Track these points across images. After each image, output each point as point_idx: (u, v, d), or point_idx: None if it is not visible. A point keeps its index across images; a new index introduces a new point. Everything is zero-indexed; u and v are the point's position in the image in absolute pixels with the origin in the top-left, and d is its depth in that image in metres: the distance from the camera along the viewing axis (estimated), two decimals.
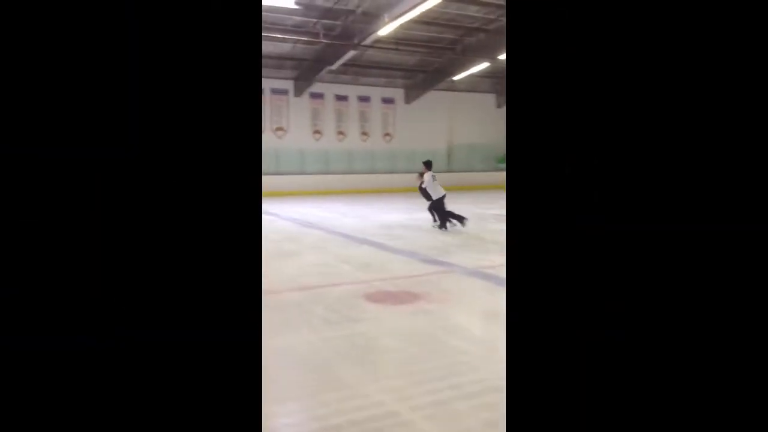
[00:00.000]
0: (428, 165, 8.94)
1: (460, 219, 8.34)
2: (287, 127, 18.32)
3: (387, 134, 20.24)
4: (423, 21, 14.00)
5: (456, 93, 20.42)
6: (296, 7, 13.16)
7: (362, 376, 2.71)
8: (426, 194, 8.78)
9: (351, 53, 15.06)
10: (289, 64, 17.37)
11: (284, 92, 18.19)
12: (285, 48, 16.16)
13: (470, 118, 20.65)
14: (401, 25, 13.02)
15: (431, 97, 20.08)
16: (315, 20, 14.17)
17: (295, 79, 18.12)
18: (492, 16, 14.46)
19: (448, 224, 8.49)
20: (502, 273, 4.31)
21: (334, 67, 16.00)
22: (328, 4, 13.36)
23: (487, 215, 10.60)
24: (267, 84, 17.71)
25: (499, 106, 21.45)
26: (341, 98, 19.18)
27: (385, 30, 13.04)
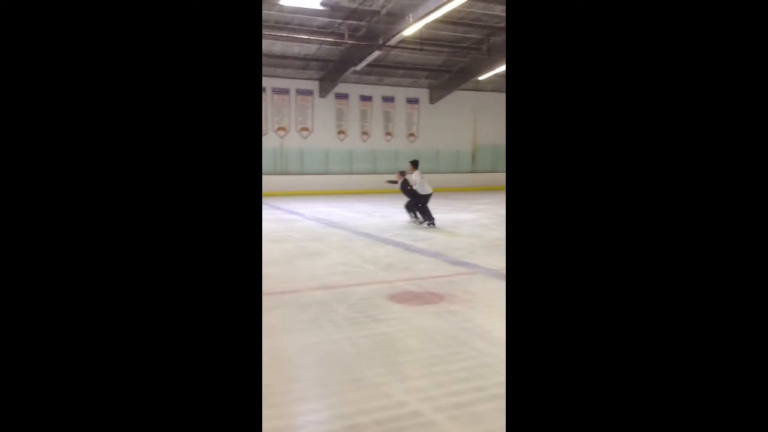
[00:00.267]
0: (415, 164, 9.22)
1: (431, 220, 8.83)
2: (312, 127, 18.46)
3: (411, 134, 20.22)
4: (448, 21, 13.94)
5: (481, 93, 20.28)
6: (322, 8, 13.25)
7: (386, 376, 2.72)
8: (409, 193, 9.16)
9: (376, 54, 15.09)
10: (314, 65, 17.50)
11: (309, 93, 18.34)
12: (310, 49, 16.28)
13: (496, 118, 20.46)
14: (426, 25, 12.99)
15: (456, 97, 19.97)
16: (340, 21, 14.24)
17: (320, 80, 18.25)
18: None
19: (415, 218, 9.11)
20: None
21: (358, 67, 16.05)
22: (353, 5, 13.41)
23: None
24: (293, 84, 17.89)
25: None
26: (365, 99, 19.23)
27: (410, 30, 13.03)
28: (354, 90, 18.78)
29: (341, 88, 18.32)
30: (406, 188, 9.22)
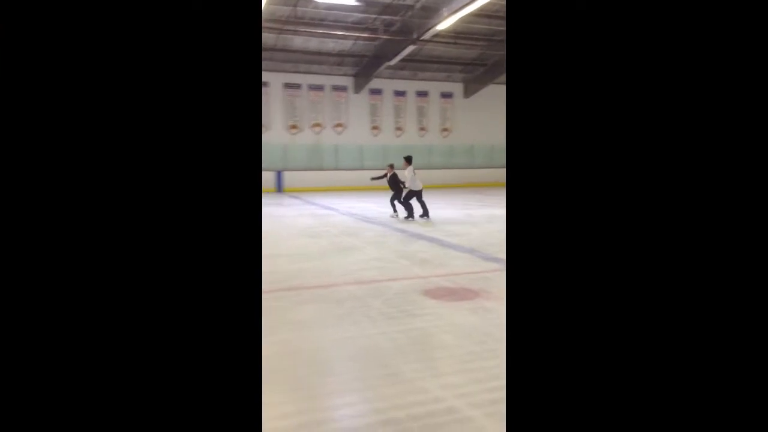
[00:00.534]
0: (409, 160, 9.38)
1: (412, 213, 9.17)
2: (346, 123, 18.56)
3: (445, 129, 20.08)
4: (483, 14, 13.75)
5: None
6: (357, 3, 13.27)
7: (421, 372, 2.72)
8: (395, 187, 9.48)
9: (410, 48, 15.04)
10: (349, 60, 17.57)
11: (344, 89, 18.43)
12: (345, 45, 16.35)
13: None
14: (461, 19, 12.85)
15: (491, 90, 19.71)
16: (375, 16, 14.24)
17: (355, 76, 18.31)
18: None
19: (399, 214, 9.61)
20: None
21: (392, 62, 16.03)
22: (388, 0, 13.39)
23: None
24: (327, 81, 18.01)
25: None
26: (399, 94, 19.20)
27: (445, 24, 12.92)
28: (388, 85, 18.77)
29: (375, 83, 18.34)
30: (394, 182, 9.47)
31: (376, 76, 17.75)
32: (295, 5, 13.18)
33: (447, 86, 19.76)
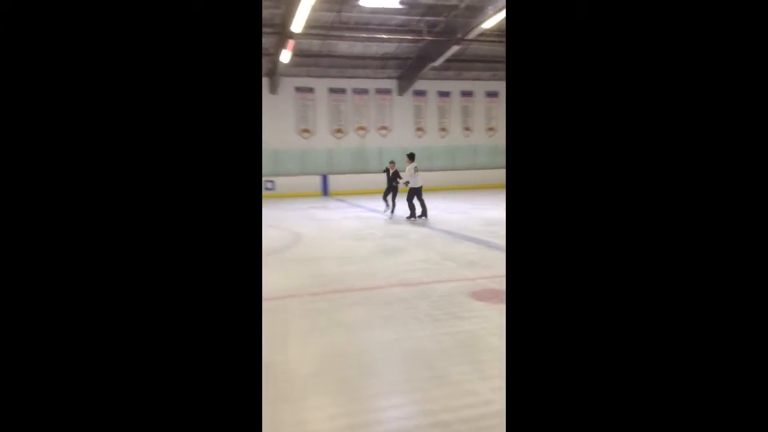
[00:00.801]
0: (412, 157, 9.72)
1: (424, 212, 9.42)
2: (391, 125, 18.62)
3: (491, 129, 19.81)
4: None
5: None
6: (400, 6, 13.31)
7: (469, 374, 2.69)
8: (391, 185, 9.96)
9: (454, 48, 14.94)
10: (392, 63, 17.63)
11: (388, 92, 18.50)
12: (389, 48, 16.42)
13: None
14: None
15: None
16: (418, 18, 14.23)
17: (399, 78, 18.35)
18: None
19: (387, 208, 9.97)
20: None
21: (437, 63, 15.96)
22: (431, 1, 13.35)
23: None
24: (372, 84, 18.13)
25: None
26: (444, 94, 19.10)
27: (490, 23, 12.75)
28: (432, 86, 18.71)
29: (419, 85, 18.32)
30: (393, 178, 9.93)
31: (420, 78, 17.73)
32: (339, 11, 13.36)
33: (492, 85, 19.51)
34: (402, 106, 18.67)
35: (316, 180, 17.19)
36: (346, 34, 14.45)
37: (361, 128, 18.35)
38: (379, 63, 17.45)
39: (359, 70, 17.54)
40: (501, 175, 18.01)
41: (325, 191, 17.07)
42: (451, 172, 18.42)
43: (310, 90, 17.56)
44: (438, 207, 11.94)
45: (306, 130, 17.71)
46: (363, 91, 18.21)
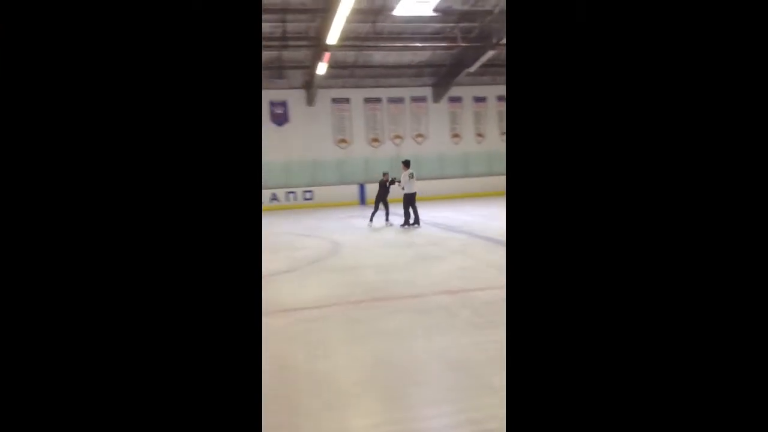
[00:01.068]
0: (407, 164, 9.89)
1: (417, 221, 9.53)
2: (427, 133, 18.60)
3: None
4: None
5: None
6: (434, 14, 13.33)
7: None
8: (383, 193, 10.20)
9: (489, 53, 14.83)
10: (427, 71, 17.64)
11: (423, 99, 18.51)
12: (424, 56, 16.45)
13: None
14: None
15: None
16: (453, 25, 14.22)
17: (434, 86, 18.34)
18: None
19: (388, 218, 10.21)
20: None
21: (472, 69, 15.88)
22: (466, 7, 13.32)
23: None
24: (407, 93, 18.19)
25: None
26: (480, 100, 18.96)
27: None
28: (468, 92, 18.61)
29: (455, 91, 18.25)
30: (384, 185, 10.24)
31: (456, 84, 17.67)
32: (374, 21, 13.50)
33: None
34: (437, 113, 18.63)
35: (354, 189, 17.31)
36: (381, 44, 14.57)
37: (397, 136, 18.40)
38: (414, 71, 17.50)
39: (394, 79, 17.63)
40: None
41: (363, 200, 17.17)
42: (489, 177, 18.22)
43: (346, 100, 17.76)
44: (478, 213, 11.83)
45: (343, 140, 17.90)
46: (398, 100, 18.28)
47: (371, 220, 10.28)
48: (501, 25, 13.56)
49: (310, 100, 17.24)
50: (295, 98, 17.11)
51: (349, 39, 13.54)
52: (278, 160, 16.55)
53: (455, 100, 18.68)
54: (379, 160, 18.06)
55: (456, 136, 18.93)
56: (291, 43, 13.94)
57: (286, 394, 2.62)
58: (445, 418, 2.37)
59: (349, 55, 15.67)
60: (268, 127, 16.90)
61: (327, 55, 13.35)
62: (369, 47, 14.82)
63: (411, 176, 9.65)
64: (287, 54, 15.00)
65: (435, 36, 14.88)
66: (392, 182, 10.19)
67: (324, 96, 17.40)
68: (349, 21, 11.34)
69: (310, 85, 16.56)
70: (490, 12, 13.46)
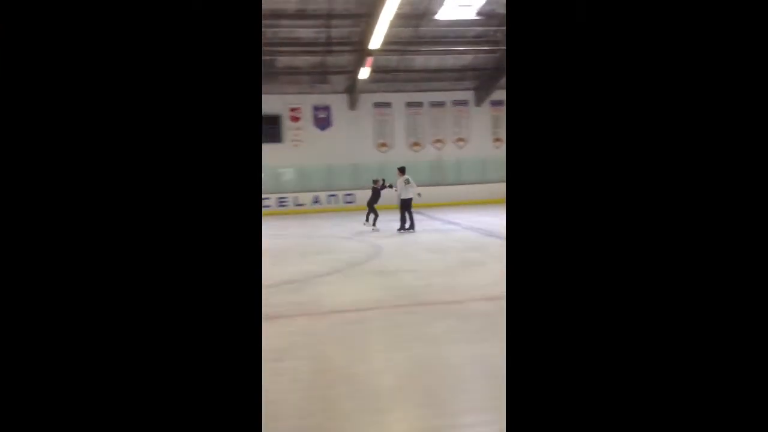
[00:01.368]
0: (402, 171, 10.12)
1: (412, 226, 9.76)
2: (468, 137, 18.46)
3: None
4: None
5: None
6: (477, 17, 13.23)
7: None
8: (374, 198, 10.65)
9: None
10: (469, 74, 17.51)
11: (465, 103, 18.38)
12: (466, 60, 16.35)
13: None
14: None
15: None
16: (495, 28, 14.07)
17: (476, 89, 18.19)
18: None
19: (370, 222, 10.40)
20: None
21: None
22: None
23: None
24: (448, 97, 18.10)
25: None
26: None
27: None
28: None
29: (497, 95, 18.03)
30: (377, 191, 10.73)
31: (498, 88, 17.47)
32: (416, 26, 13.52)
33: None
34: (479, 117, 18.45)
35: (394, 193, 17.36)
36: (423, 48, 14.57)
37: (438, 141, 18.33)
38: (456, 75, 17.40)
39: (435, 83, 17.59)
40: None
41: None
42: None
43: (388, 105, 17.83)
44: None
45: (384, 144, 17.97)
46: (440, 104, 18.21)
47: (371, 221, 10.65)
48: None
49: (353, 105, 17.40)
50: (337, 103, 17.31)
51: (392, 43, 13.60)
52: (321, 163, 16.77)
53: (497, 103, 18.45)
54: (420, 164, 18.04)
55: (498, 140, 18.69)
56: (335, 48, 14.13)
57: (325, 396, 2.65)
58: (486, 427, 2.34)
59: (392, 60, 15.74)
60: (311, 132, 17.17)
61: (369, 60, 13.46)
62: (411, 51, 14.85)
63: (407, 182, 9.89)
64: (331, 59, 15.21)
65: (477, 39, 14.76)
66: (384, 187, 10.72)
67: (366, 100, 17.53)
68: (391, 26, 11.40)
69: (352, 89, 16.72)
70: None
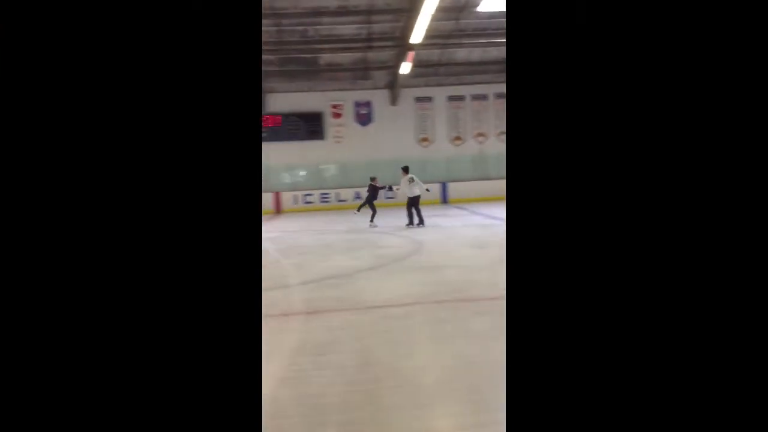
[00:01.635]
0: (406, 170, 10.33)
1: (421, 221, 9.96)
2: None
3: None
4: None
5: None
6: None
7: None
8: (372, 195, 10.87)
9: None
10: None
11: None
12: None
13: None
14: None
15: None
16: None
17: None
18: None
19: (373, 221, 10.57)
20: None
21: None
22: None
23: None
24: (490, 89, 17.82)
25: None
26: None
27: None
28: None
29: None
30: (374, 189, 10.96)
31: None
32: (457, 19, 13.36)
33: None
34: None
35: (436, 188, 17.27)
36: (465, 41, 14.39)
37: (480, 134, 18.10)
38: (498, 67, 17.10)
39: (478, 75, 17.34)
40: None
41: (445, 199, 17.07)
42: None
43: (429, 99, 17.73)
44: None
45: (425, 139, 17.89)
46: (482, 97, 17.96)
47: (371, 220, 10.71)
48: None
49: (394, 100, 17.39)
50: (378, 98, 17.34)
51: (433, 37, 13.50)
52: (362, 159, 16.87)
53: None
54: (461, 158, 17.87)
55: None
56: (375, 44, 14.15)
57: (371, 390, 2.67)
58: None
59: (433, 54, 15.63)
60: (352, 128, 17.28)
61: (411, 55, 13.40)
62: (453, 45, 14.69)
63: (411, 180, 10.10)
64: (372, 55, 15.24)
65: None
66: (382, 188, 11.05)
67: (407, 95, 17.48)
68: (433, 19, 11.31)
69: (393, 84, 16.72)
70: None
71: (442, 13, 12.00)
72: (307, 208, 16.15)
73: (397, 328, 3.75)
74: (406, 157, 17.55)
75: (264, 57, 14.41)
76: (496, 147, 17.91)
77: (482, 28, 14.28)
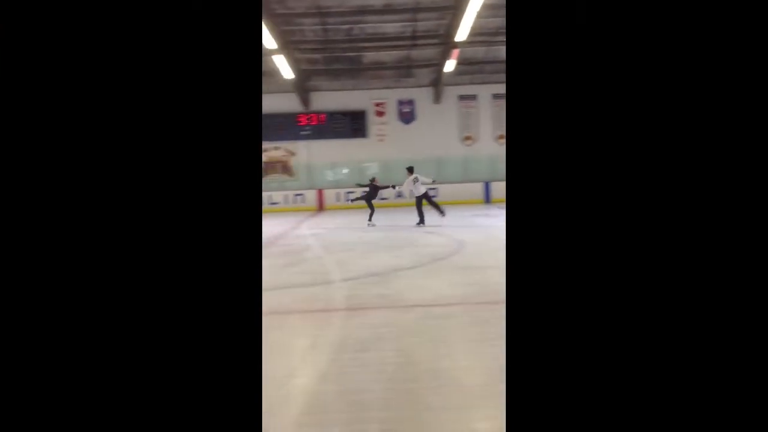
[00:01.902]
0: (411, 170, 10.56)
1: (422, 220, 10.27)
2: None
3: None
4: None
5: None
6: None
7: None
8: (371, 194, 11.01)
9: None
10: None
11: None
12: None
13: None
14: None
15: None
16: None
17: None
18: None
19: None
20: None
21: None
22: None
23: None
24: None
25: None
26: None
27: None
28: None
29: None
30: (374, 188, 11.12)
31: None
32: (503, 16, 13.15)
33: None
34: None
35: (478, 187, 17.07)
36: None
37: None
38: None
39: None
40: None
41: (487, 198, 16.86)
42: None
43: (473, 97, 17.53)
44: None
45: (468, 137, 17.71)
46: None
47: (373, 219, 10.86)
48: None
49: (437, 98, 17.30)
50: (422, 96, 17.29)
51: (478, 35, 13.34)
52: (404, 157, 16.86)
53: None
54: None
55: None
56: (420, 41, 14.11)
57: (411, 389, 2.67)
58: None
59: (478, 51, 15.44)
60: (395, 126, 17.30)
61: (455, 52, 13.29)
62: (498, 42, 14.47)
63: (416, 180, 10.36)
64: (416, 53, 15.20)
65: None
66: (383, 187, 11.27)
67: (450, 93, 17.35)
68: (478, 16, 11.17)
69: (437, 82, 16.62)
70: None
71: (487, 10, 11.83)
72: (349, 205, 16.30)
73: (439, 328, 3.73)
74: (449, 155, 17.44)
75: (310, 56, 14.62)
76: None
77: None
